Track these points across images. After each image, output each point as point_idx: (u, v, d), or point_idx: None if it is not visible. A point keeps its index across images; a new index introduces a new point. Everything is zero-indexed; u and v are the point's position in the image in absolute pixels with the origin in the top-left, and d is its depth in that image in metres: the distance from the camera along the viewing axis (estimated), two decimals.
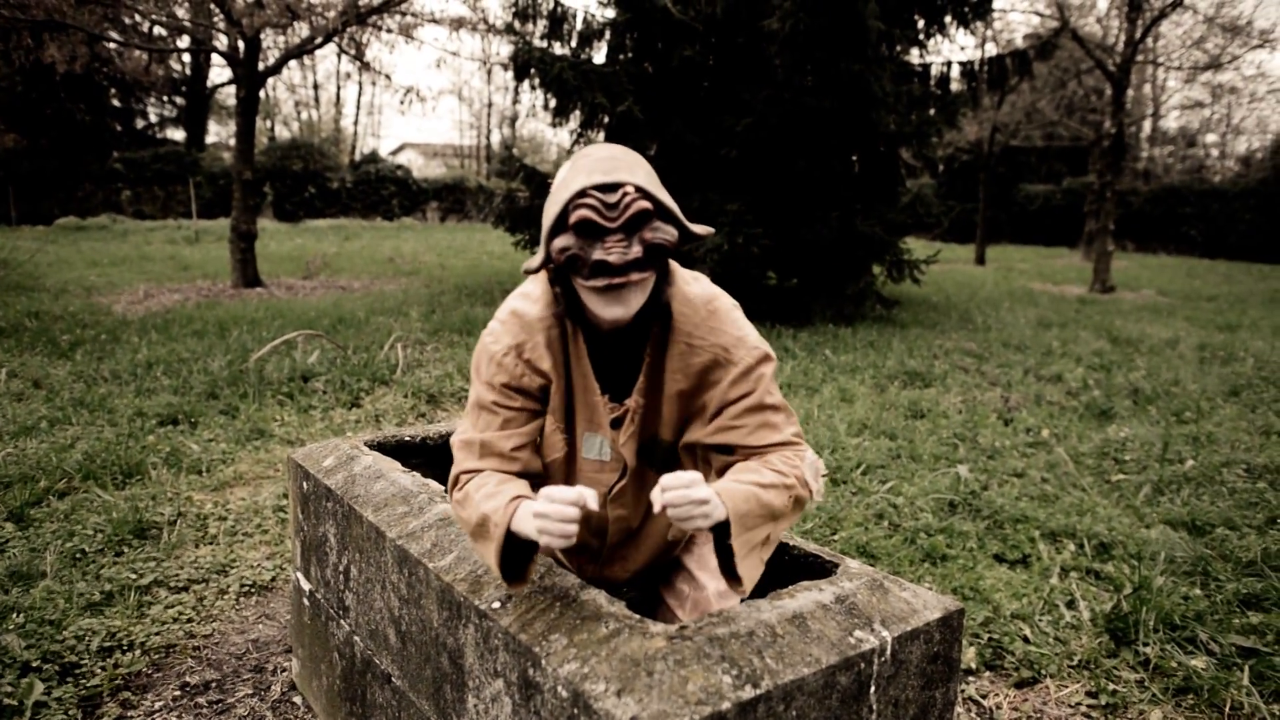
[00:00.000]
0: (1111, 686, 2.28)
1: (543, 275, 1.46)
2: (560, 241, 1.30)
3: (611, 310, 1.31)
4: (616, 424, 1.46)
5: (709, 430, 1.42)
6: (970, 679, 2.34)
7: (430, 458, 2.27)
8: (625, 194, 1.28)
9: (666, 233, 1.31)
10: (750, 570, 1.32)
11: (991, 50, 17.60)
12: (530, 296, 1.47)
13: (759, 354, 1.41)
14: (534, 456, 1.47)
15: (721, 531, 1.27)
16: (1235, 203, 23.96)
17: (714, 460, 1.46)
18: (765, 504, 1.29)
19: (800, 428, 1.43)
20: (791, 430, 1.42)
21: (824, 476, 1.42)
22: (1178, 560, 3.03)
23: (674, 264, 1.46)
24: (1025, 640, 2.51)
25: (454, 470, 1.44)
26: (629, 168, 1.31)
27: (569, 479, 1.53)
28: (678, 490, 1.19)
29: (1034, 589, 2.83)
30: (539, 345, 1.43)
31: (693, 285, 1.45)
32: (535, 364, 1.43)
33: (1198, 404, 5.55)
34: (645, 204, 1.28)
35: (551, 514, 1.19)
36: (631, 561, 1.58)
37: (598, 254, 1.28)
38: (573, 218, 1.28)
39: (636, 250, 1.28)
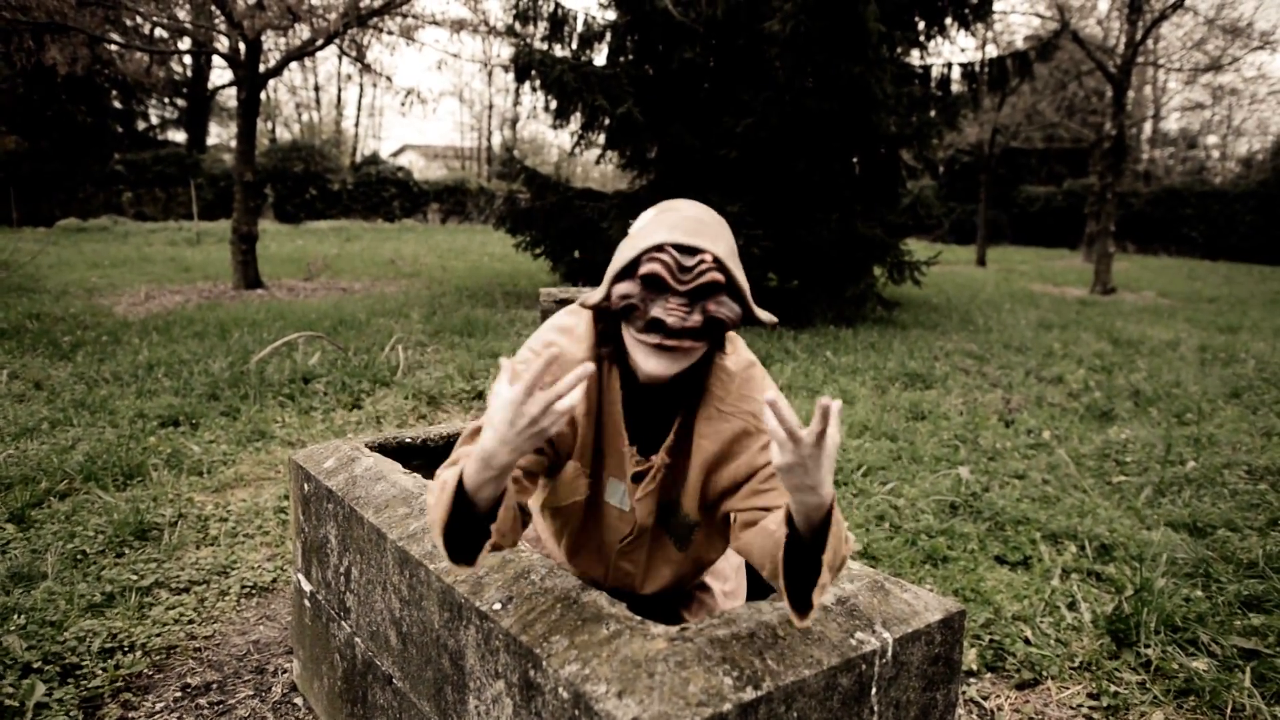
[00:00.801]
0: (1113, 688, 2.28)
1: (586, 313, 1.43)
2: (623, 288, 1.27)
3: (655, 366, 1.29)
4: (638, 478, 1.44)
5: (742, 495, 1.39)
6: (971, 680, 2.33)
7: (431, 459, 2.27)
8: (702, 261, 1.25)
9: (730, 309, 1.28)
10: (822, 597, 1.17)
11: (992, 52, 17.63)
12: (573, 334, 1.43)
13: None
14: (525, 485, 1.37)
15: (798, 545, 1.14)
16: (1236, 204, 23.98)
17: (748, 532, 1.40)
18: (838, 534, 1.16)
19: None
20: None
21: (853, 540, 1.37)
22: (1179, 562, 3.03)
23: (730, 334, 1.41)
24: (1026, 642, 2.51)
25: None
26: (713, 237, 1.28)
27: (587, 524, 1.50)
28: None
29: (1035, 591, 2.83)
30: None
31: (730, 355, 1.42)
32: None
33: (1199, 405, 5.54)
34: (719, 276, 1.25)
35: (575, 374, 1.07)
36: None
37: (657, 311, 1.25)
38: (643, 269, 1.25)
39: (696, 319, 1.26)
